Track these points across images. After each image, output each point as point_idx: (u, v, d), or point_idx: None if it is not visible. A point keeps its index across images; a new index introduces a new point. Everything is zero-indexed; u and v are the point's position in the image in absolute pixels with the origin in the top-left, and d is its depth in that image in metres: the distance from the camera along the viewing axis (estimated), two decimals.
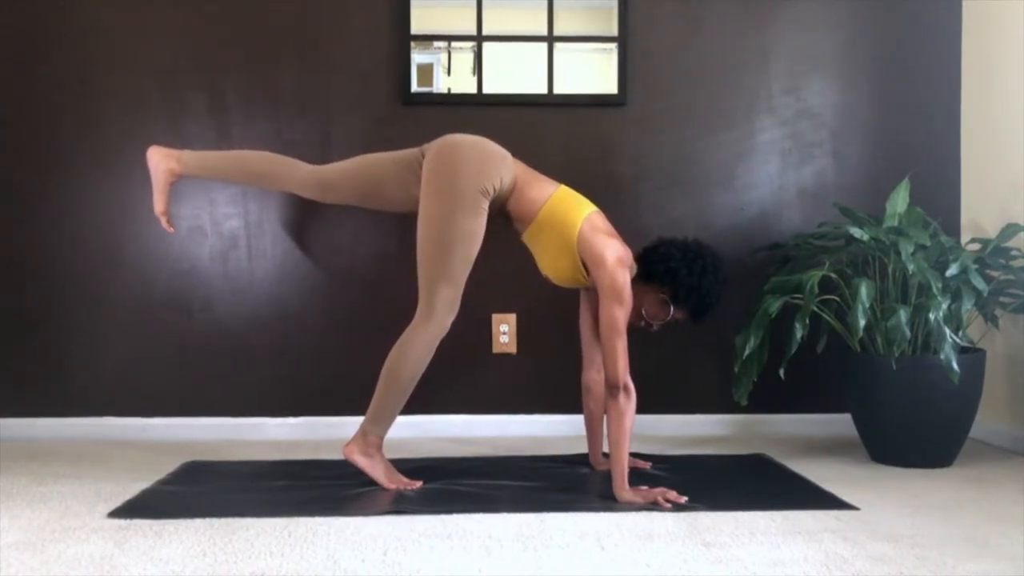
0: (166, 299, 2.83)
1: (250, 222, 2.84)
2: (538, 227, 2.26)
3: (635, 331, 2.32)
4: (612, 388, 2.11)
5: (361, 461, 2.22)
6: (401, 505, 2.05)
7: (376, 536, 1.82)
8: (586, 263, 2.22)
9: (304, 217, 2.84)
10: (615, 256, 2.18)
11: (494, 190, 2.21)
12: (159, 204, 2.43)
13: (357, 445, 2.23)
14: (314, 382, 2.86)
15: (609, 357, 2.12)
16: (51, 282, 2.81)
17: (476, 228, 2.20)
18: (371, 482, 2.21)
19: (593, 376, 2.41)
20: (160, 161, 2.42)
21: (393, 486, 2.19)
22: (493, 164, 2.21)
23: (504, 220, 2.34)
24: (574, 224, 2.22)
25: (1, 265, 2.80)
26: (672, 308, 2.27)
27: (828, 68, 2.94)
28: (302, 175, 2.40)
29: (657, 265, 2.25)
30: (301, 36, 2.83)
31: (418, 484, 2.21)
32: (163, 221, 2.46)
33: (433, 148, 2.26)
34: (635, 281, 2.23)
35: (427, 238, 2.20)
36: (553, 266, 2.30)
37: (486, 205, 2.21)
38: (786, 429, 2.92)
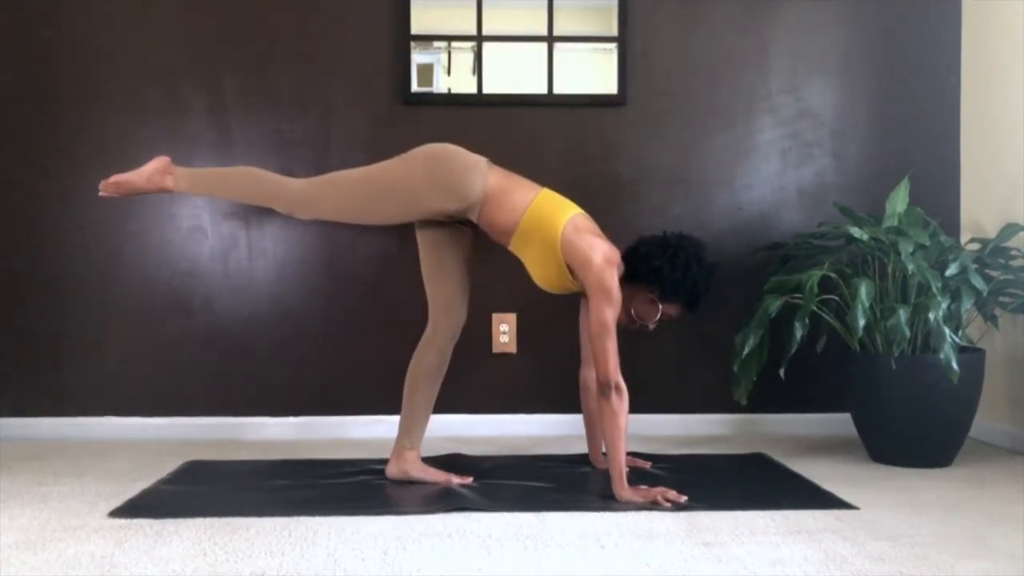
0: (166, 299, 2.83)
1: (250, 222, 2.83)
2: (522, 235, 2.21)
3: (634, 332, 2.32)
4: (604, 387, 2.11)
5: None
6: (401, 505, 2.05)
7: (376, 536, 1.82)
8: (572, 266, 2.18)
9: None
10: (602, 256, 2.15)
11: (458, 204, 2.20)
12: (126, 184, 2.26)
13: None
14: (314, 382, 2.85)
15: (600, 357, 2.11)
16: (51, 282, 2.80)
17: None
18: (369, 482, 2.21)
19: (590, 374, 2.39)
20: (158, 172, 2.27)
21: (452, 479, 2.23)
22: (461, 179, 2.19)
23: (483, 232, 2.28)
24: (556, 228, 2.17)
25: (1, 265, 2.81)
26: (661, 306, 2.26)
27: (828, 68, 2.94)
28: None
29: (640, 266, 2.23)
30: (301, 36, 2.83)
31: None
32: (108, 188, 2.29)
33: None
34: (622, 283, 2.19)
35: None
36: (541, 273, 2.27)
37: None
38: (786, 429, 2.92)
